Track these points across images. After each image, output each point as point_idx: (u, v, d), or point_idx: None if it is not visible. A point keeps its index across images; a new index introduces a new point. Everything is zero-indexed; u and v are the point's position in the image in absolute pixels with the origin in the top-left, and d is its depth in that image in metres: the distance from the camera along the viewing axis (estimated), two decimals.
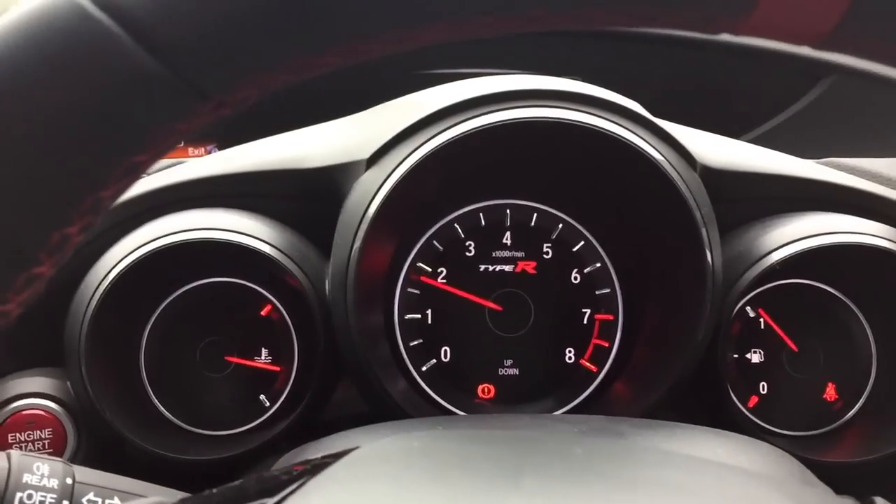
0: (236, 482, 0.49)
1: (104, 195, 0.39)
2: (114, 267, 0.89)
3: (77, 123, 0.36)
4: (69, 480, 0.59)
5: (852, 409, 1.04)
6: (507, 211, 1.07)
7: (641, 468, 0.49)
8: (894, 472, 0.97)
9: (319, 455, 0.56)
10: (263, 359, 1.04)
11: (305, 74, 0.40)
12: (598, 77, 1.61)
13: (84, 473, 0.60)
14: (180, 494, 0.63)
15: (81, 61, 0.35)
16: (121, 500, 0.59)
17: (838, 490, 0.76)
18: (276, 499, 0.43)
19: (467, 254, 1.07)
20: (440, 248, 1.06)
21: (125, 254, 0.89)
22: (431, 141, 0.88)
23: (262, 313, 1.04)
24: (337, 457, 0.51)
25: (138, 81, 0.36)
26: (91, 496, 0.58)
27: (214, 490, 0.48)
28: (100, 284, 0.88)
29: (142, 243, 0.89)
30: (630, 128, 0.89)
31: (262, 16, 0.37)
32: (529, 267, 1.07)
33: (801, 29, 0.40)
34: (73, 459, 0.90)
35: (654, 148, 0.89)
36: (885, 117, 1.43)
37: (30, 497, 0.58)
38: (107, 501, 0.58)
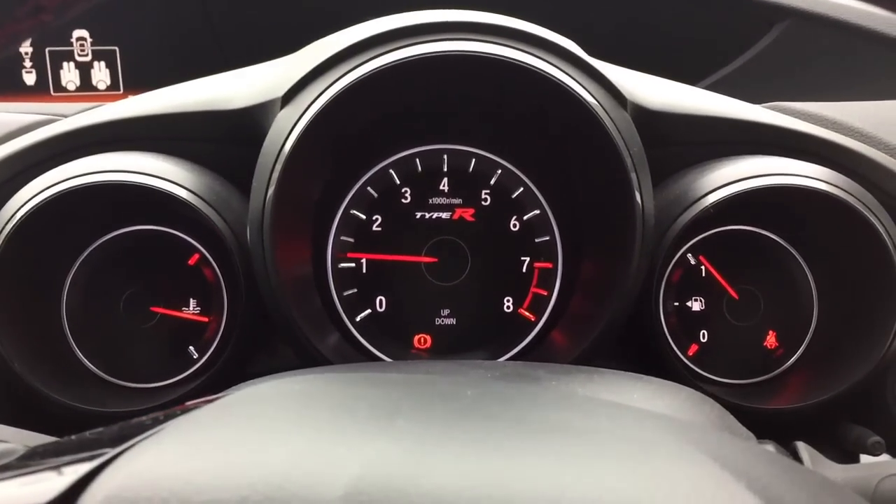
0: (98, 429, 0.46)
1: None
2: (19, 209, 0.84)
3: None
4: None
5: (793, 356, 1.02)
6: (445, 156, 1.04)
7: (532, 409, 0.47)
8: (830, 419, 0.96)
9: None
10: (192, 309, 1.00)
11: None
12: (551, 23, 1.57)
13: None
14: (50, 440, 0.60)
15: None
16: None
17: (766, 437, 0.74)
18: (126, 444, 0.40)
19: (403, 200, 1.03)
20: (375, 194, 1.03)
21: (31, 195, 0.85)
22: (345, 77, 0.83)
23: (190, 262, 1.00)
24: (211, 401, 0.48)
25: None
26: None
27: (73, 437, 0.45)
28: (3, 228, 0.84)
29: (49, 185, 0.85)
30: (556, 63, 0.85)
31: None
32: (467, 214, 1.04)
33: None
34: None
35: (580, 85, 0.85)
36: (841, 61, 1.39)
37: None
38: None
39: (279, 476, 0.34)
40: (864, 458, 0.92)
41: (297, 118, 0.83)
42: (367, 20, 0.90)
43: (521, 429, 0.43)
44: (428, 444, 0.39)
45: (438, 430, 0.41)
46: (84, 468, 0.38)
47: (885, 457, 0.90)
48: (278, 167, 0.83)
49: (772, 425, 0.87)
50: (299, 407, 0.44)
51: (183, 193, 0.88)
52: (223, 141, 0.94)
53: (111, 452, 0.39)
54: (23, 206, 0.85)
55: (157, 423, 0.44)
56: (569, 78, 0.85)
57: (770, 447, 0.69)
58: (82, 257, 0.98)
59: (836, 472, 0.67)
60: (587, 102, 0.85)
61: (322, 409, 0.44)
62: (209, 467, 0.35)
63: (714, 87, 1.44)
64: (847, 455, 0.93)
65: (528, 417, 0.45)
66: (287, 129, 0.84)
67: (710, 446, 0.44)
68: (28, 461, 0.42)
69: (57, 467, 0.40)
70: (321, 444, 0.37)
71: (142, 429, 0.43)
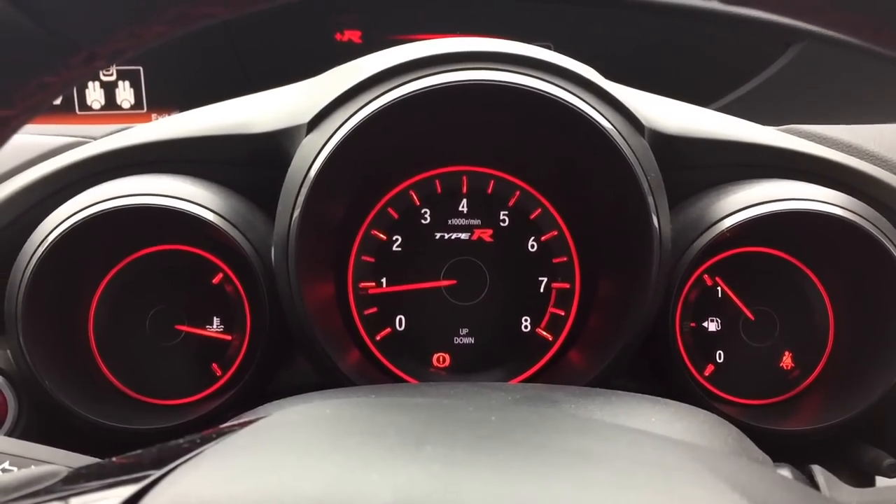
0: (138, 451, 0.48)
1: None
2: (51, 232, 0.87)
3: None
4: None
5: (808, 377, 1.03)
6: (464, 178, 1.06)
7: (554, 435, 0.48)
8: (846, 440, 0.96)
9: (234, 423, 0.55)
10: (215, 328, 1.02)
11: (182, 27, 0.38)
12: (569, 43, 1.59)
13: (0, 443, 0.59)
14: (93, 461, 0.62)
15: None
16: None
17: (784, 459, 0.75)
18: (168, 468, 0.42)
19: (423, 221, 1.05)
20: (395, 216, 1.05)
21: (63, 219, 0.87)
22: (369, 105, 0.85)
23: (215, 282, 1.02)
24: (245, 424, 0.50)
25: None
26: (6, 465, 0.57)
27: (114, 459, 0.47)
28: (37, 250, 0.87)
29: (80, 208, 0.88)
30: (574, 91, 0.87)
31: None
32: (486, 235, 1.06)
33: None
34: (14, 429, 0.89)
35: (599, 113, 0.87)
36: (857, 83, 1.41)
37: None
38: (22, 470, 0.57)
39: (315, 503, 0.36)
40: (880, 480, 0.93)
41: (322, 144, 0.86)
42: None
43: (544, 456, 0.44)
44: (456, 471, 0.40)
45: (466, 457, 0.42)
46: (128, 491, 0.40)
47: None
48: (304, 191, 0.85)
49: (787, 447, 0.88)
50: (331, 433, 0.46)
51: (210, 216, 0.90)
52: (248, 164, 0.96)
53: (153, 476, 0.41)
54: (55, 228, 0.87)
55: (194, 446, 0.46)
56: (587, 105, 0.87)
57: (786, 471, 0.70)
58: (109, 277, 1.00)
59: (851, 495, 0.67)
60: (605, 129, 0.87)
61: (353, 434, 0.45)
62: (249, 493, 0.37)
63: (730, 108, 1.46)
64: (862, 476, 0.94)
65: (552, 444, 0.46)
66: (312, 154, 0.86)
67: (729, 473, 0.45)
68: (72, 484, 0.44)
69: (102, 489, 0.41)
70: (354, 471, 0.39)
71: (180, 452, 0.45)
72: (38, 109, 0.38)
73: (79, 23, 0.36)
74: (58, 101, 1.47)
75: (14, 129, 0.38)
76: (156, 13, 0.36)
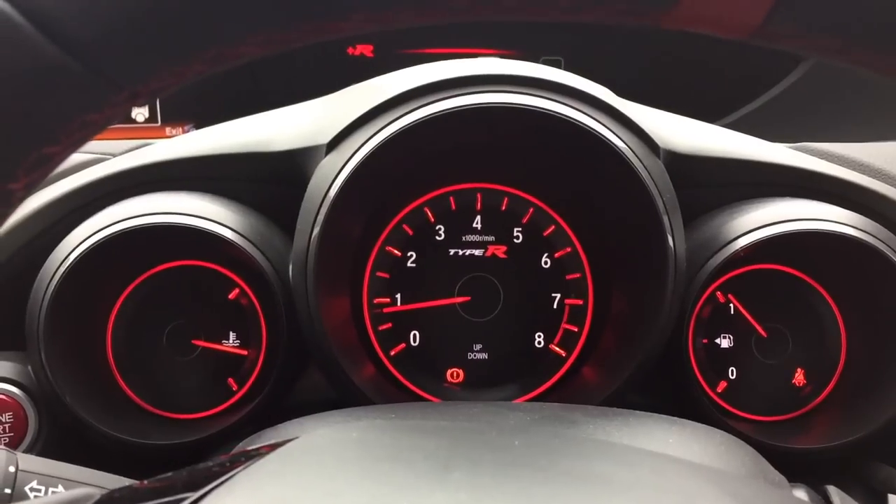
0: (169, 473, 0.49)
1: (14, 188, 0.38)
2: (73, 250, 0.88)
3: None
4: (12, 469, 0.58)
5: (820, 394, 1.04)
6: (478, 195, 1.07)
7: (577, 460, 0.49)
8: (858, 458, 0.97)
9: (260, 445, 0.56)
10: (231, 342, 1.03)
11: (220, 65, 0.39)
12: (580, 58, 1.60)
13: (28, 461, 0.60)
14: (124, 482, 0.63)
15: None
16: (65, 487, 0.58)
17: (797, 477, 0.76)
18: (201, 492, 0.43)
19: (437, 238, 1.06)
20: (410, 232, 1.06)
21: (84, 237, 0.89)
22: (388, 127, 0.87)
23: (231, 297, 1.03)
24: (273, 448, 0.51)
25: (43, 73, 0.35)
26: (34, 484, 0.58)
27: (146, 482, 0.48)
28: (59, 267, 0.88)
29: (101, 227, 0.89)
30: (590, 113, 0.88)
31: (173, 7, 0.36)
32: (500, 251, 1.07)
33: (731, 21, 0.39)
34: (35, 443, 0.90)
35: (615, 134, 0.88)
36: (867, 101, 1.42)
37: None
38: (50, 489, 0.58)
39: None
40: (892, 498, 0.93)
41: (342, 165, 0.87)
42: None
43: (569, 483, 0.45)
44: (484, 498, 0.41)
45: (492, 484, 0.43)
46: None
47: None
48: (323, 211, 0.87)
49: (799, 464, 0.88)
50: (359, 458, 0.46)
51: (229, 234, 0.91)
52: (266, 182, 0.97)
53: (187, 501, 0.42)
54: (77, 247, 0.88)
55: (224, 469, 0.47)
56: (602, 127, 0.88)
57: (802, 492, 0.70)
58: (127, 292, 1.01)
59: None
60: (621, 150, 0.88)
61: (381, 460, 0.46)
62: None
63: (740, 124, 1.47)
64: (875, 495, 0.94)
65: (576, 470, 0.47)
66: (332, 175, 0.87)
67: (748, 498, 0.46)
68: None
69: None
70: (386, 499, 0.40)
71: (210, 476, 0.46)
72: (81, 145, 0.39)
73: (121, 65, 0.37)
74: None
75: (57, 165, 0.39)
76: (195, 55, 0.37)
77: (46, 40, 0.35)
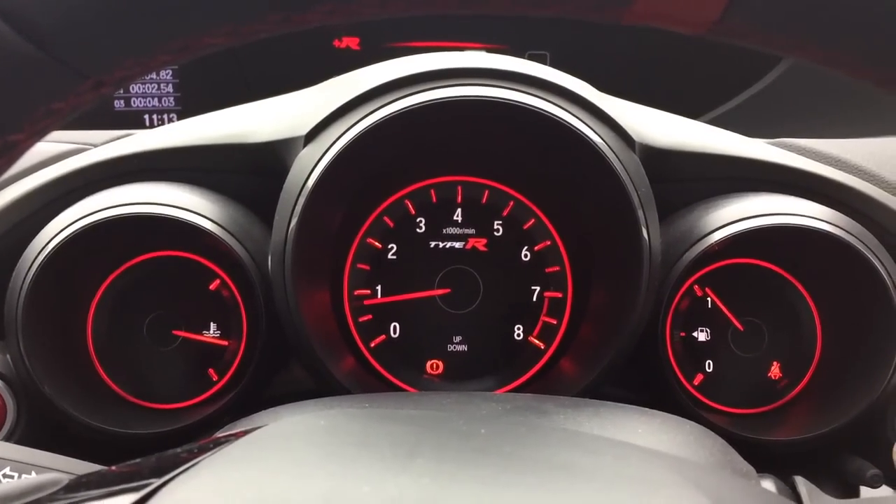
0: (137, 459, 0.49)
1: None
2: (51, 240, 0.88)
3: None
4: None
5: (796, 387, 1.05)
6: (459, 188, 1.07)
7: (542, 449, 0.50)
8: (831, 450, 0.98)
9: (231, 432, 0.56)
10: (212, 333, 1.04)
11: (186, 56, 0.39)
12: (566, 53, 1.61)
13: (2, 449, 0.60)
14: (94, 469, 0.64)
15: None
16: (38, 474, 0.59)
17: (771, 468, 0.77)
18: (167, 476, 0.43)
19: (418, 230, 1.07)
20: (391, 224, 1.06)
21: (63, 227, 0.89)
22: (365, 119, 0.87)
23: (211, 288, 1.03)
24: (242, 434, 0.51)
25: (6, 61, 0.36)
26: (7, 470, 0.58)
27: (114, 467, 0.48)
28: (37, 257, 0.88)
29: (80, 216, 0.89)
30: (565, 107, 0.89)
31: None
32: (480, 244, 1.07)
33: (688, 16, 0.40)
34: (13, 433, 0.90)
35: (590, 128, 0.89)
36: (847, 98, 1.43)
37: None
38: (23, 476, 0.58)
39: None
40: (864, 490, 0.95)
41: (319, 156, 0.87)
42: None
43: (531, 469, 0.46)
44: (445, 484, 0.42)
45: (455, 470, 0.44)
46: (128, 500, 0.41)
47: (884, 489, 0.92)
48: (301, 202, 0.87)
49: (773, 456, 0.90)
50: (325, 444, 0.47)
51: (208, 225, 0.92)
52: (246, 173, 0.97)
53: (151, 486, 0.42)
54: (55, 236, 0.88)
55: (192, 456, 0.47)
56: (578, 121, 0.89)
57: (769, 482, 0.71)
58: (108, 283, 1.01)
59: None
60: (596, 144, 0.88)
61: (346, 446, 0.47)
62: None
63: (721, 120, 1.48)
64: (846, 487, 0.96)
65: (539, 457, 0.48)
66: (309, 166, 0.88)
67: (711, 487, 0.47)
68: (73, 492, 0.46)
69: (102, 498, 0.43)
70: (347, 484, 0.41)
71: (178, 461, 0.46)
72: (45, 133, 0.40)
73: (84, 54, 0.37)
74: None
75: (21, 153, 0.40)
76: (159, 45, 0.38)
77: (9, 29, 0.36)
